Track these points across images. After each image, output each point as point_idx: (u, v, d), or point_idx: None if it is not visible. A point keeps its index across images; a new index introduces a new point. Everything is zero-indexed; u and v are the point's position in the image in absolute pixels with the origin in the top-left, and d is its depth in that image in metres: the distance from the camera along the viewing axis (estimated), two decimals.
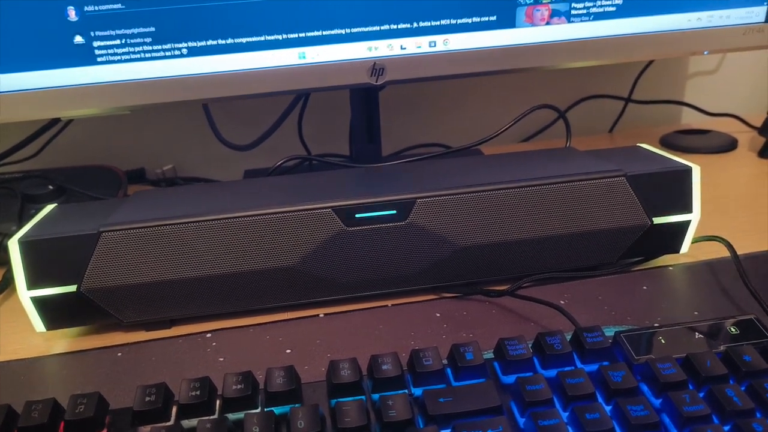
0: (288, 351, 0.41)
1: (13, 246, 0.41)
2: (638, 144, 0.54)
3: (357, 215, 0.43)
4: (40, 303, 0.42)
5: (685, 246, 0.49)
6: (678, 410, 0.31)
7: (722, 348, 0.35)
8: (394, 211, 0.44)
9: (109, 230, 0.41)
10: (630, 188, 0.46)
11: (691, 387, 0.33)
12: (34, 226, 0.43)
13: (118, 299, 0.42)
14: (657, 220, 0.47)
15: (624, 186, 0.46)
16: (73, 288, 0.42)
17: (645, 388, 0.33)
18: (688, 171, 0.47)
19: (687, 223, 0.47)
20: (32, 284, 0.42)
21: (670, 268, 0.49)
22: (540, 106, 0.61)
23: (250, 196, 0.46)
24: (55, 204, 0.48)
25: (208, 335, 0.44)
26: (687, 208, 0.47)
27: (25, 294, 0.42)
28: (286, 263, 0.43)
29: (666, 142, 0.78)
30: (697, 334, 0.37)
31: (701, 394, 0.32)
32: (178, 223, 0.42)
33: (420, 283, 0.46)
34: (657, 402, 0.33)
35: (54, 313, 0.43)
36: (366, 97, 0.63)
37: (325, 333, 0.43)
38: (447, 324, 0.43)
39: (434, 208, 0.44)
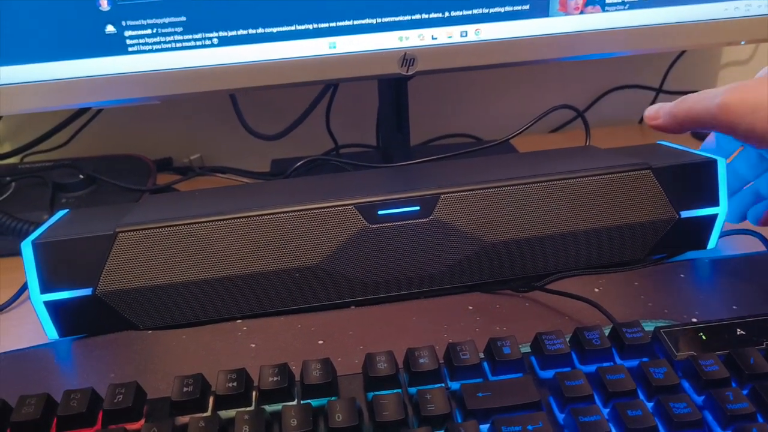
0: (320, 342, 0.41)
1: (26, 248, 0.40)
2: (658, 141, 0.54)
3: (380, 212, 0.42)
4: (54, 307, 0.41)
5: (713, 241, 0.48)
6: (722, 408, 0.30)
7: (765, 345, 0.35)
8: (418, 208, 0.43)
9: (125, 230, 0.41)
10: (656, 181, 0.45)
11: (734, 385, 0.32)
12: (47, 228, 0.42)
13: (134, 303, 0.41)
14: (684, 214, 0.46)
15: (650, 179, 0.45)
16: (88, 291, 0.41)
17: (686, 385, 0.33)
18: (713, 163, 0.46)
19: (714, 217, 0.47)
20: (46, 288, 0.40)
21: (707, 261, 0.48)
22: (560, 107, 0.60)
23: (269, 196, 0.45)
24: (68, 210, 0.48)
25: (239, 320, 0.44)
26: (714, 201, 0.46)
27: (38, 298, 0.40)
28: (308, 262, 0.42)
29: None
30: (738, 330, 0.36)
31: (745, 392, 0.32)
32: (197, 222, 0.41)
33: (447, 283, 0.45)
34: (699, 399, 0.32)
35: (68, 318, 0.41)
36: (395, 86, 0.62)
37: (357, 324, 0.43)
38: (480, 317, 0.43)
39: (458, 204, 0.43)
